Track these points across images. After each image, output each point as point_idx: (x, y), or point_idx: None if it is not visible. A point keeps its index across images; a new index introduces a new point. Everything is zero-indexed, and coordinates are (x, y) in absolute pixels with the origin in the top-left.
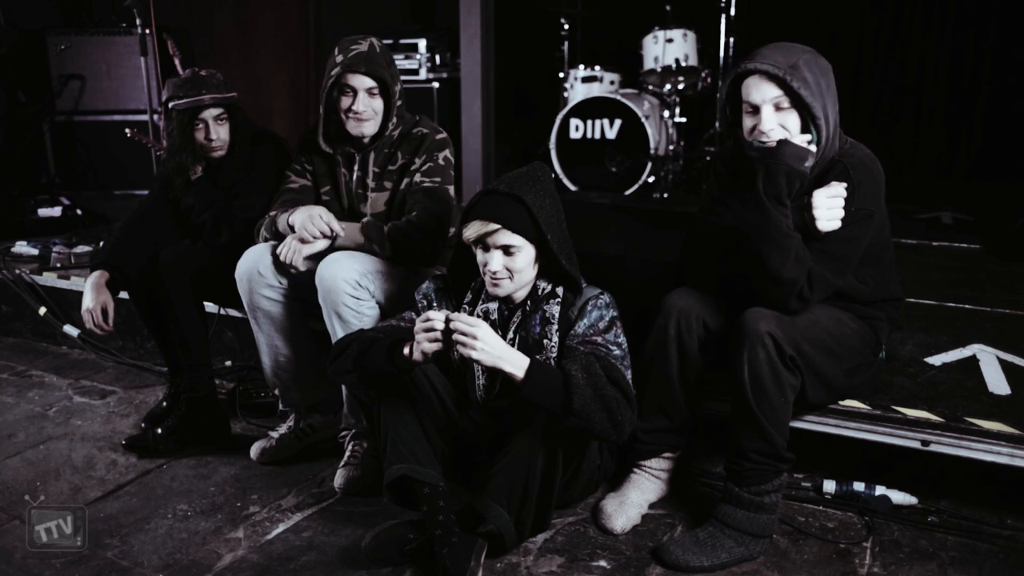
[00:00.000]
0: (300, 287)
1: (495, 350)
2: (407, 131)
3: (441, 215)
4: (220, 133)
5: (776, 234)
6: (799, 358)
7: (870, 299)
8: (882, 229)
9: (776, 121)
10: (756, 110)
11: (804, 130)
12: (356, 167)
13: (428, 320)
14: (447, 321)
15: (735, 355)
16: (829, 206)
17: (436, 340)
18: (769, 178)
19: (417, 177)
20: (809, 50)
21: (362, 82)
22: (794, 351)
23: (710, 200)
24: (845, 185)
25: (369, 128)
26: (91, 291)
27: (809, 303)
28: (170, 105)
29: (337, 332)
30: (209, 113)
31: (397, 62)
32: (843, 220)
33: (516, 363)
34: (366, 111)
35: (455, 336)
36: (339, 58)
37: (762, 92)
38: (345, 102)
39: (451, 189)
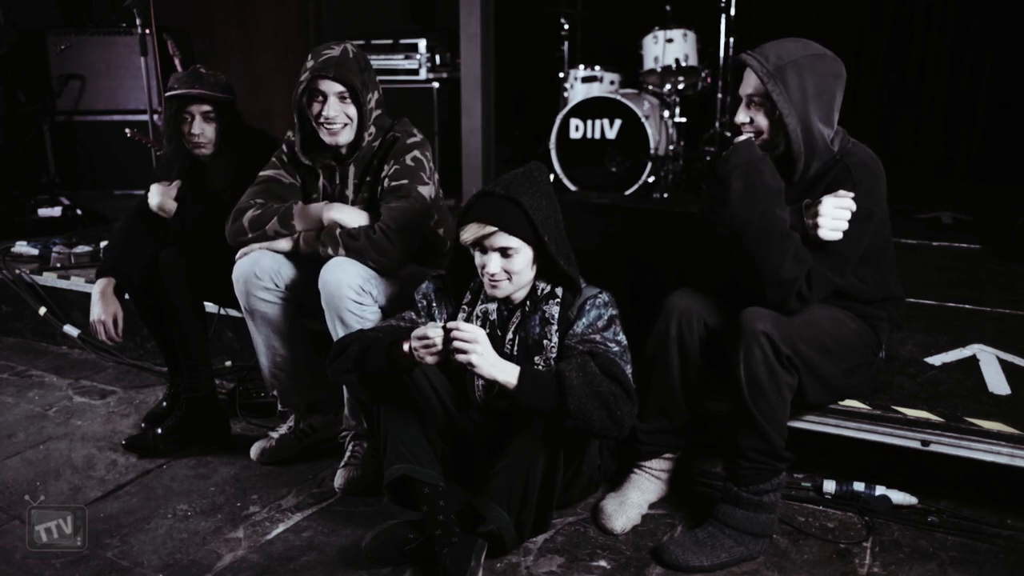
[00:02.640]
0: (296, 289)
1: (490, 358)
2: (383, 139)
3: (407, 214)
4: (205, 130)
5: (774, 234)
6: (796, 357)
7: (870, 298)
8: (883, 228)
9: (749, 114)
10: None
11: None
12: (336, 179)
13: (425, 338)
14: (445, 331)
15: (732, 355)
16: (835, 216)
17: (436, 353)
18: (731, 183)
19: (386, 183)
20: (814, 53)
21: (331, 87)
22: (791, 350)
23: (709, 199)
24: (853, 196)
25: (344, 137)
26: (100, 302)
27: (808, 302)
28: (165, 94)
29: (339, 336)
30: (197, 108)
31: (397, 62)
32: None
33: (509, 372)
34: (337, 116)
35: (455, 344)
36: (309, 63)
37: (745, 85)
38: (316, 108)
39: (424, 188)
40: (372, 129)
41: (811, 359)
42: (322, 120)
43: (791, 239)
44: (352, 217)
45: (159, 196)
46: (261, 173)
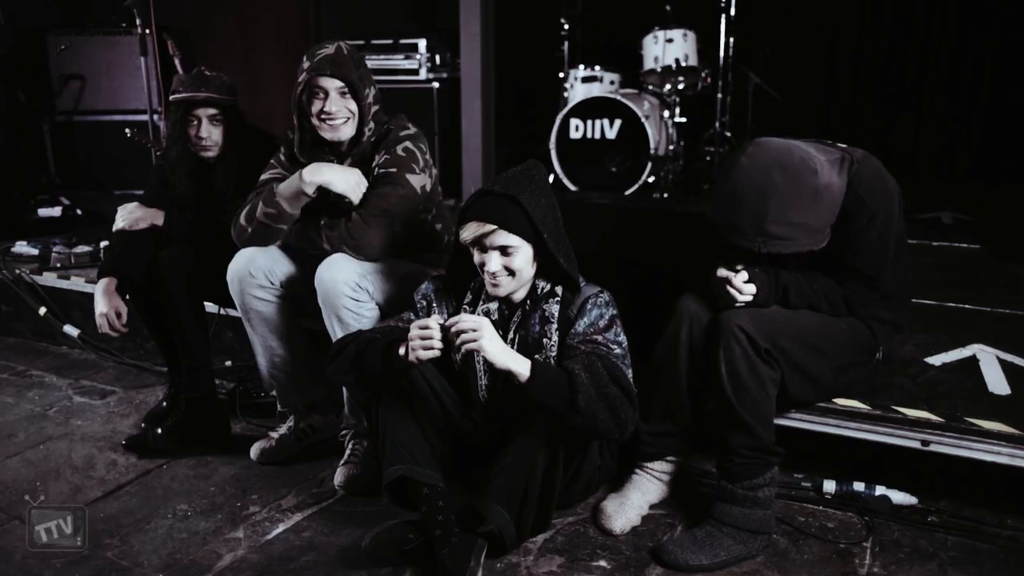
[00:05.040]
0: (292, 287)
1: (500, 343)
2: (379, 133)
3: (389, 199)
4: (212, 133)
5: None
6: (776, 351)
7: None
8: (900, 238)
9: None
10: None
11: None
12: None
13: (425, 328)
14: (446, 329)
15: (713, 353)
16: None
17: (431, 348)
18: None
19: (376, 171)
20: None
21: (331, 83)
22: (769, 344)
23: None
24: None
25: (346, 131)
26: (103, 297)
27: (857, 315)
28: (170, 98)
29: (337, 334)
30: (203, 111)
31: (397, 62)
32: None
33: (521, 361)
34: (339, 111)
35: (462, 336)
36: (306, 64)
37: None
38: (316, 105)
39: (414, 177)
40: (371, 125)
41: (794, 354)
42: (324, 116)
43: (835, 295)
44: (337, 176)
45: (124, 220)
46: (261, 177)
